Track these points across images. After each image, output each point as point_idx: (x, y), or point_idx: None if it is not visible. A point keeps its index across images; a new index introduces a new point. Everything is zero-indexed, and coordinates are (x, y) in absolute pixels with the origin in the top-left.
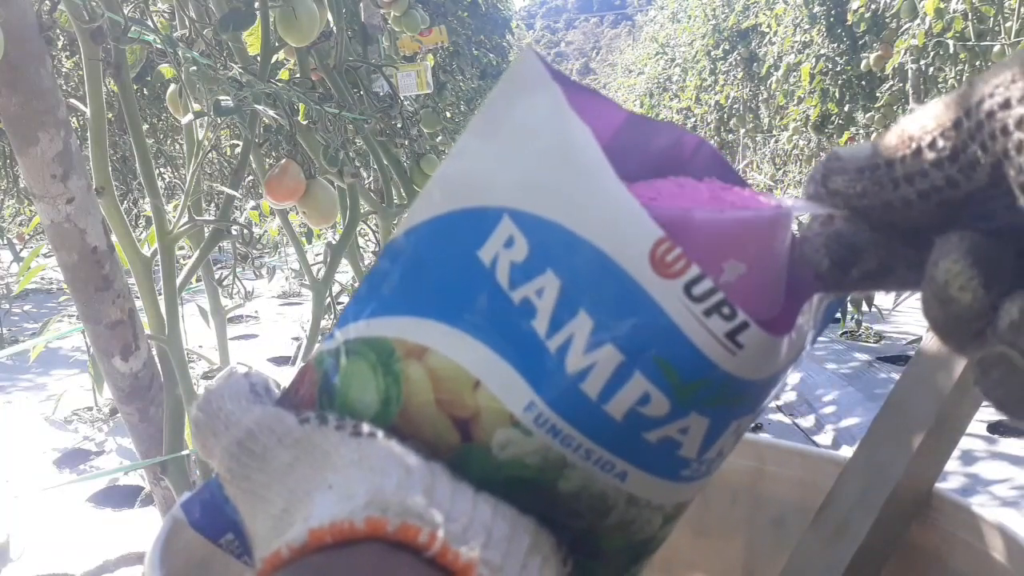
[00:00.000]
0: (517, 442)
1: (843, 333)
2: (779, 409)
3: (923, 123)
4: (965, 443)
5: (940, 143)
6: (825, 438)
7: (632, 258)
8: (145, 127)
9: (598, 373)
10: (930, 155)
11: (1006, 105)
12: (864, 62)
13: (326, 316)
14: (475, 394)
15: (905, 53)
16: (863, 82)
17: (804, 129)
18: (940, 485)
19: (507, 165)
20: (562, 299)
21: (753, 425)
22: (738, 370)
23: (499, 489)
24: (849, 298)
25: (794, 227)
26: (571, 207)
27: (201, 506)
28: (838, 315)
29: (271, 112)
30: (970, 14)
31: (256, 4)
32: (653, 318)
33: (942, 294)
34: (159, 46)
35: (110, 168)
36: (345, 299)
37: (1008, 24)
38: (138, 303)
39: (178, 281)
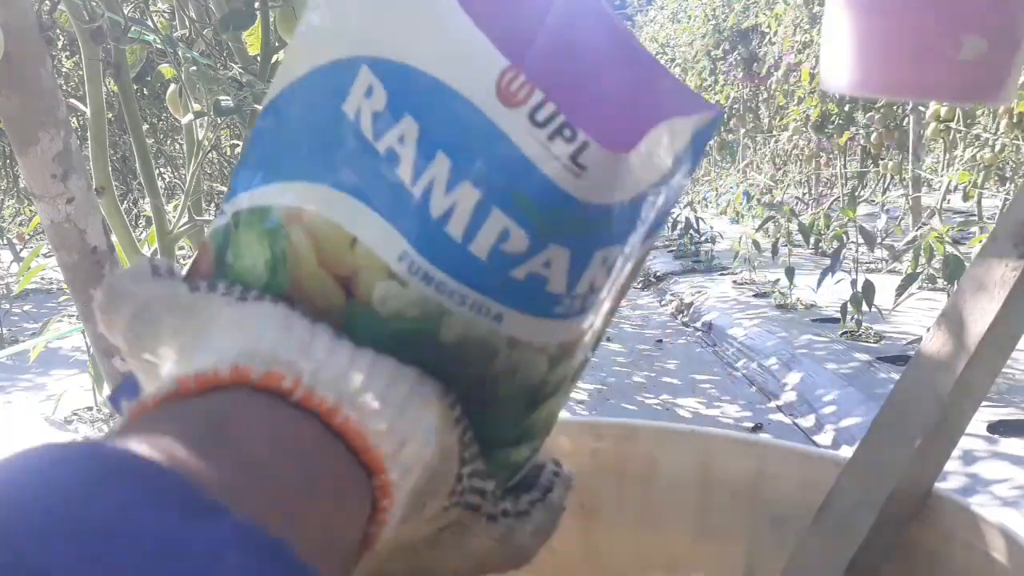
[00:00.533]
0: (396, 294)
1: (843, 333)
2: (779, 409)
3: None
4: (965, 443)
5: None
6: (825, 438)
7: (480, 91)
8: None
9: (459, 213)
10: None
11: None
12: None
13: None
14: (353, 251)
15: None
16: None
17: (804, 129)
18: (940, 485)
19: (358, 13)
20: (421, 143)
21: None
22: (587, 195)
23: (386, 345)
24: (849, 298)
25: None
26: (421, 47)
27: (128, 386)
28: (837, 315)
29: None
30: None
31: (256, 4)
32: (503, 150)
33: None
34: (159, 46)
35: (110, 168)
36: None
37: None
38: None
39: None
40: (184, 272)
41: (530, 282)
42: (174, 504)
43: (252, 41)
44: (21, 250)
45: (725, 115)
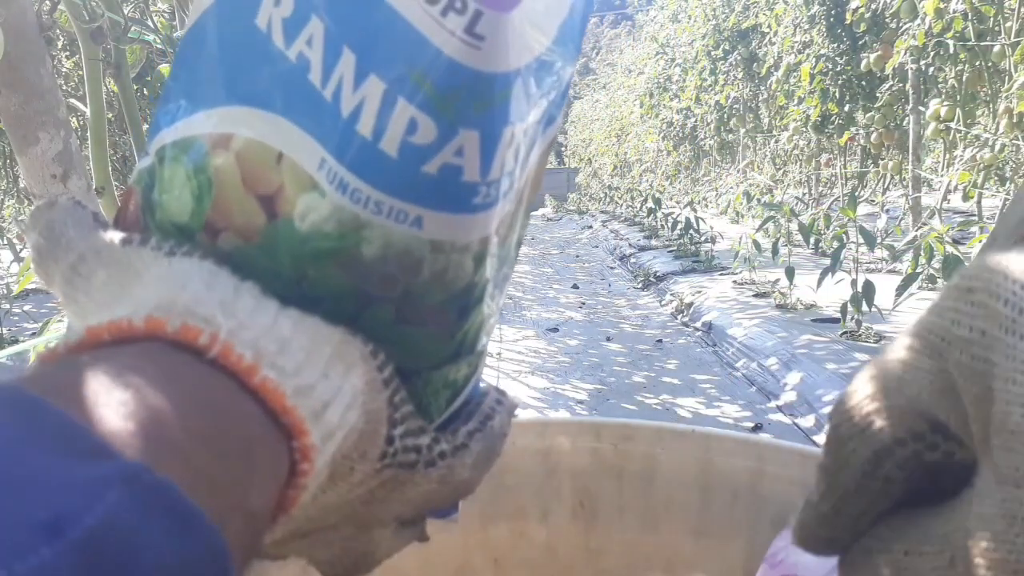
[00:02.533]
0: (315, 207)
1: (843, 333)
2: (779, 409)
3: None
4: None
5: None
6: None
7: None
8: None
9: (368, 109)
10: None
11: None
12: (864, 62)
13: None
14: (279, 167)
15: (905, 53)
16: (863, 82)
17: (804, 129)
18: None
19: None
20: (327, 42)
21: (753, 425)
22: (487, 64)
23: (308, 266)
24: (849, 298)
25: None
26: None
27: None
28: (837, 315)
29: None
30: (970, 14)
31: None
32: (400, 33)
33: None
34: (159, 46)
35: (110, 168)
36: None
37: (1008, 24)
38: None
39: None
40: (113, 219)
41: (445, 174)
42: (59, 441)
43: None
44: (21, 250)
45: (725, 115)
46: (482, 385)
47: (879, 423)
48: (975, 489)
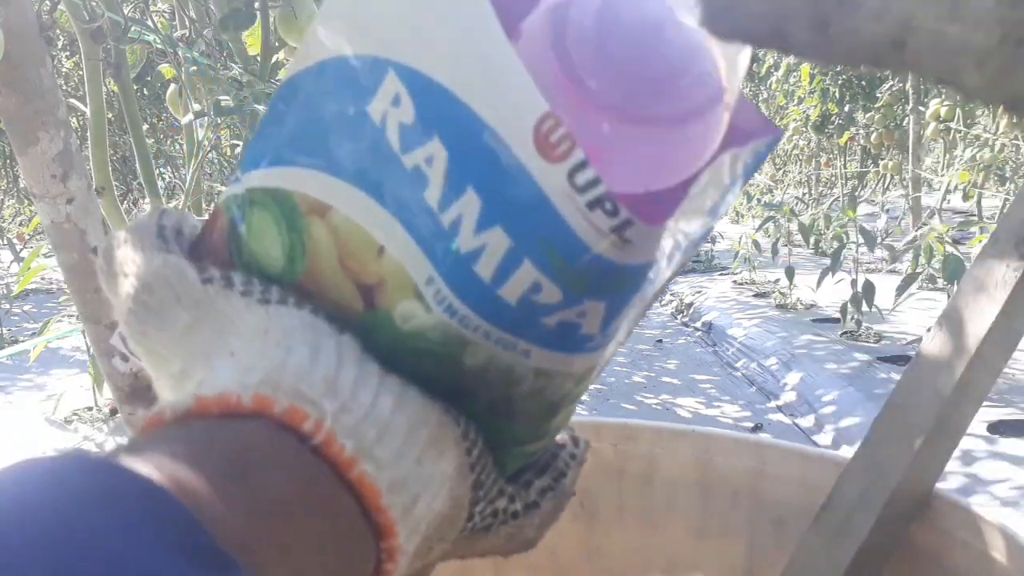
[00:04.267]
0: (419, 316)
1: (843, 333)
2: (779, 409)
3: None
4: (965, 443)
5: None
6: (825, 438)
7: (515, 133)
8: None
9: (489, 256)
10: None
11: None
12: None
13: None
14: (380, 261)
15: None
16: (863, 82)
17: (804, 129)
18: (940, 485)
19: (393, 9)
20: (450, 172)
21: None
22: (627, 259)
23: (405, 359)
24: (849, 298)
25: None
26: (456, 67)
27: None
28: (837, 315)
29: None
30: None
31: (256, 4)
32: (538, 203)
33: None
34: (159, 46)
35: (110, 168)
36: None
37: None
38: None
39: None
40: (195, 237)
41: (563, 327)
42: (185, 548)
43: (252, 41)
44: (21, 250)
45: None
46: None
47: None
48: None
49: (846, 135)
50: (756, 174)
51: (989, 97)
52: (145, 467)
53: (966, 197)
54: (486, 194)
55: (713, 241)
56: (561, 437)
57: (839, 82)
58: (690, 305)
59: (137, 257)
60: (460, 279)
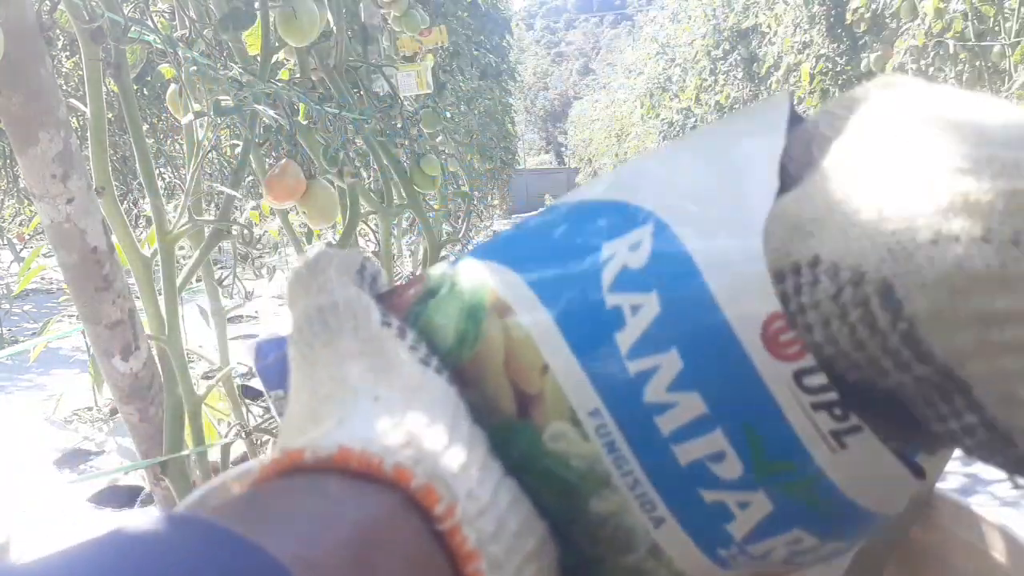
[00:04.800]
0: (571, 440)
1: None
2: None
3: None
4: None
5: None
6: None
7: (744, 321)
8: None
9: (676, 414)
10: None
11: None
12: (864, 62)
13: None
14: (543, 377)
15: (905, 53)
16: (863, 82)
17: None
18: (940, 485)
19: (690, 180)
20: (657, 327)
21: None
22: (832, 471)
23: (534, 477)
24: None
25: None
26: (707, 244)
27: (276, 352)
28: None
29: (271, 112)
30: (970, 14)
31: (256, 4)
32: (754, 391)
33: None
34: (159, 46)
35: (110, 168)
36: None
37: (1008, 24)
38: (138, 303)
39: (178, 281)
40: (388, 289)
41: (714, 509)
42: None
43: (252, 41)
44: (21, 250)
45: (725, 115)
46: None
47: None
48: None
49: None
50: None
51: None
52: (274, 542)
53: None
54: (692, 361)
55: None
56: None
57: (839, 82)
58: None
59: (336, 280)
60: (633, 422)
